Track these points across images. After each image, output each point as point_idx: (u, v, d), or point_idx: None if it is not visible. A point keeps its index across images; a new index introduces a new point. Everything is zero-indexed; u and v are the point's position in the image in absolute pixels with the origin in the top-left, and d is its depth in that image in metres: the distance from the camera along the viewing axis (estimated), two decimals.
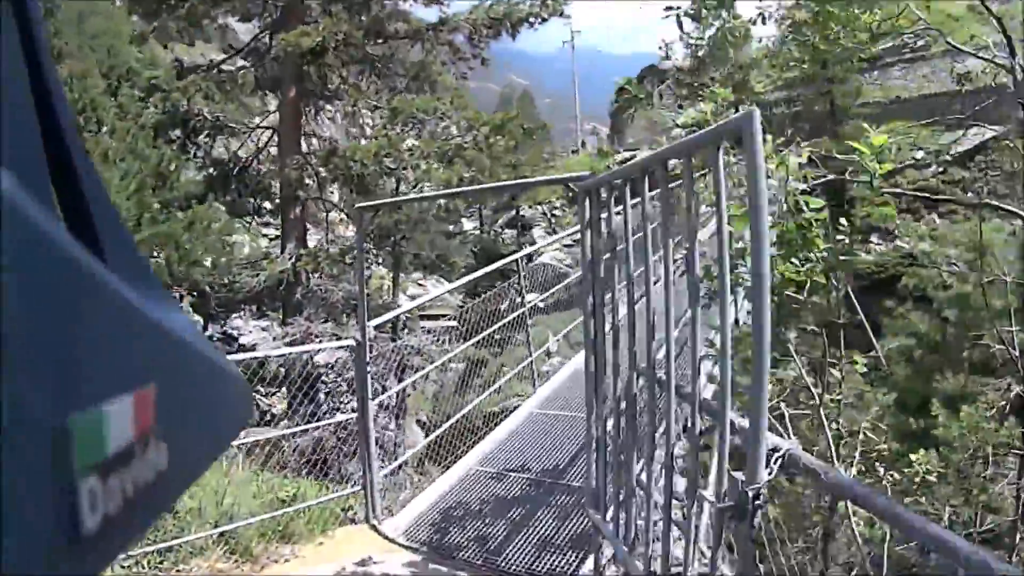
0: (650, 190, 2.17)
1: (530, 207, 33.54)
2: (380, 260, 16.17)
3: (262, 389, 8.72)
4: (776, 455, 1.53)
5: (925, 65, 26.79)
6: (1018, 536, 6.14)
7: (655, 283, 2.13)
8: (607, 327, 2.43)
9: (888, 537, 4.98)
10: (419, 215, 15.50)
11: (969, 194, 21.39)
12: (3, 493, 0.24)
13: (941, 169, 22.49)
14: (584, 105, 51.82)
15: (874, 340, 13.09)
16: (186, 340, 0.38)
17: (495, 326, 6.38)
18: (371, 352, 4.14)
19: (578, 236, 2.62)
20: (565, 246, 25.19)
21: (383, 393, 5.49)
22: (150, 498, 0.33)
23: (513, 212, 31.12)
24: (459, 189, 11.33)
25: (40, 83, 0.32)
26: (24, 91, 0.30)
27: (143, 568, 3.31)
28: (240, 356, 4.65)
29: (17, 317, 0.25)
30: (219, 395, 0.44)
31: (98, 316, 0.30)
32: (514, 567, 3.41)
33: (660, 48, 36.21)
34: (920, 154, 22.81)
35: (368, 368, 4.06)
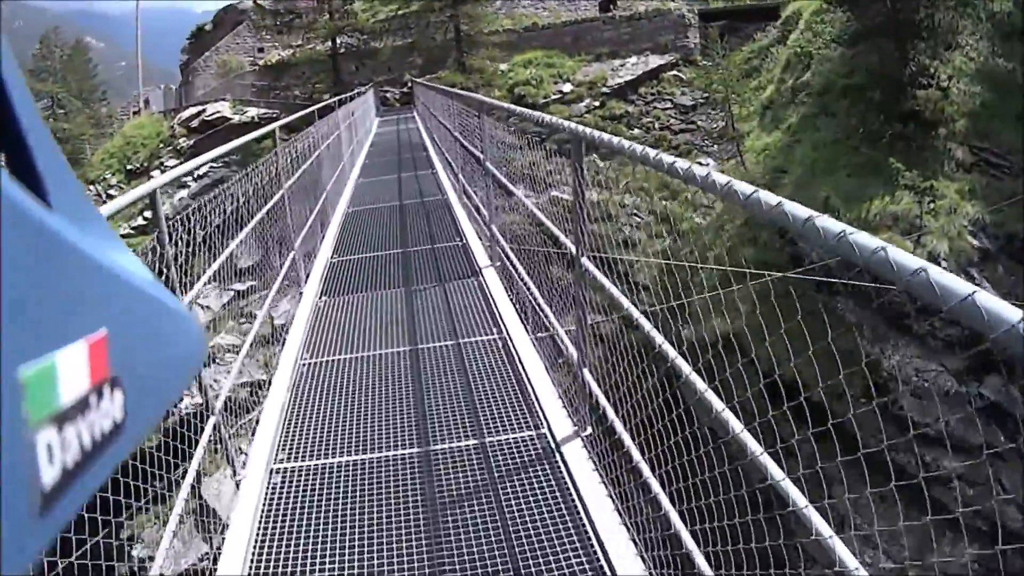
0: None
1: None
2: None
3: None
4: None
5: None
6: None
7: None
8: None
9: None
10: None
11: (635, 130, 20.50)
12: None
13: (598, 103, 21.15)
14: (167, 65, 45.02)
15: None
16: (135, 283, 0.36)
17: None
18: None
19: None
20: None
21: None
22: (107, 448, 0.32)
23: None
24: None
25: None
26: None
27: None
28: None
29: None
30: (171, 337, 0.41)
31: (43, 262, 0.29)
32: None
33: None
34: (567, 87, 21.44)
35: None
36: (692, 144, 21.59)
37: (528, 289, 4.23)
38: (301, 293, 5.37)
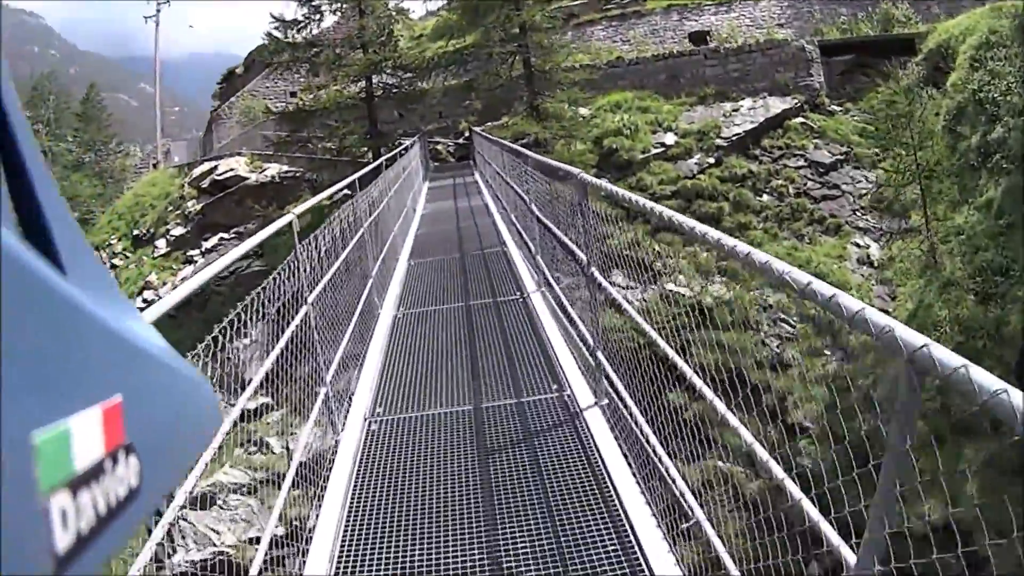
0: None
1: None
2: None
3: None
4: None
5: (641, 23, 21.96)
6: None
7: None
8: None
9: None
10: None
11: (764, 196, 15.37)
12: None
13: (712, 159, 16.00)
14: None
15: None
16: (149, 349, 0.37)
17: None
18: None
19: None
20: None
21: None
22: (122, 514, 0.32)
23: None
24: None
25: None
26: None
27: None
28: None
29: None
30: (186, 404, 0.42)
31: (58, 329, 0.29)
32: None
33: (272, 22, 20.82)
34: (670, 138, 16.48)
35: None
36: (840, 216, 16.06)
37: None
38: None
